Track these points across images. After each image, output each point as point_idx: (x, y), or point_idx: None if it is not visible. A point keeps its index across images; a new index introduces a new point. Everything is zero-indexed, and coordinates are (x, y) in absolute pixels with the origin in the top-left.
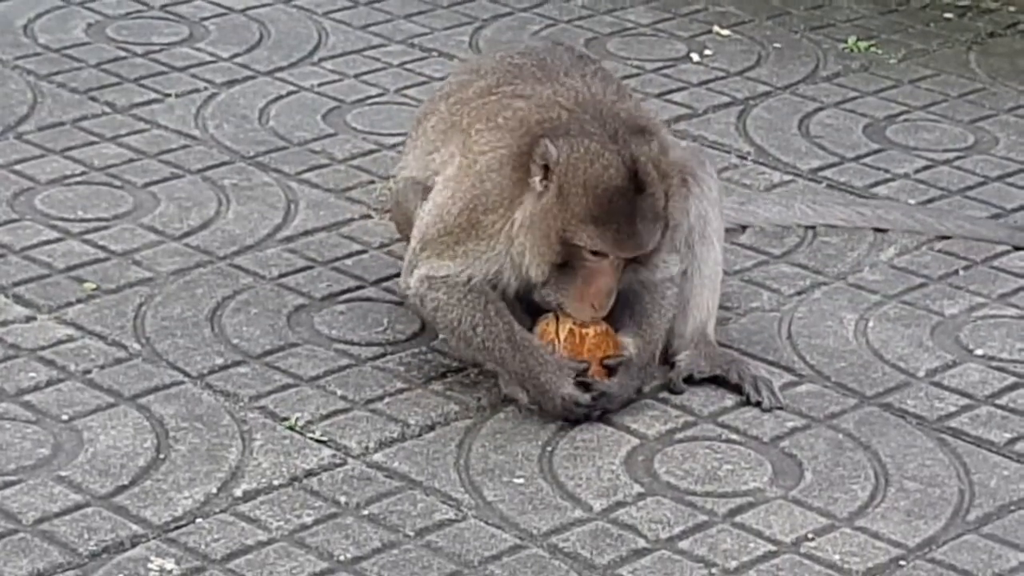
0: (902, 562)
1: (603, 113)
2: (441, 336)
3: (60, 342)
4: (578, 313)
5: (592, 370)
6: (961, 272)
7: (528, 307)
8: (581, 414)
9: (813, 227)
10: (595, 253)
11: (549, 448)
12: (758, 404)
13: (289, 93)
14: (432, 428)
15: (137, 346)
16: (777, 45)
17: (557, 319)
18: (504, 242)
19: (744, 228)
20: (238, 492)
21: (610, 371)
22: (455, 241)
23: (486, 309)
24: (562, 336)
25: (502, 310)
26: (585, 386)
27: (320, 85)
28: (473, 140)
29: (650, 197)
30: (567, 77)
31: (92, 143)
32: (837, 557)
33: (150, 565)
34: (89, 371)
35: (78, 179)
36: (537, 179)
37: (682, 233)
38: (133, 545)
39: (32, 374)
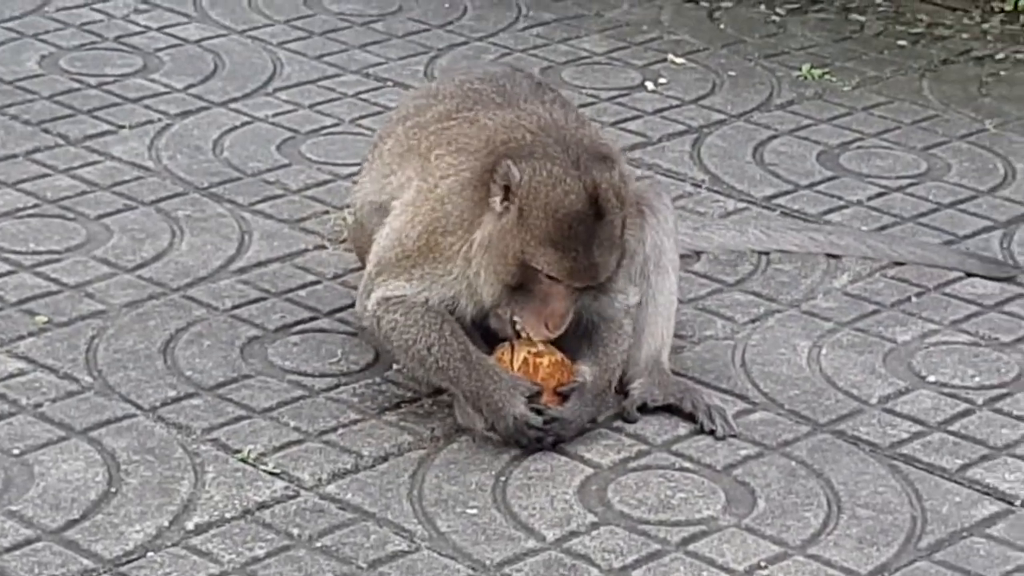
0: None
1: (566, 139)
2: (395, 357)
3: (11, 376)
4: (533, 332)
5: (545, 398)
6: (914, 299)
7: (484, 335)
8: (533, 437)
9: (767, 253)
10: (550, 278)
11: (503, 478)
12: (712, 432)
13: (243, 124)
14: (385, 459)
15: (89, 379)
16: (731, 73)
17: (512, 348)
18: (462, 264)
19: (699, 254)
20: (190, 525)
21: (564, 399)
22: (412, 264)
23: (441, 329)
24: (516, 365)
25: (457, 330)
26: (538, 412)
27: (274, 115)
28: (433, 165)
29: (609, 224)
30: (527, 103)
31: (45, 175)
32: None
33: None
34: (40, 405)
35: (30, 211)
36: (497, 199)
37: (638, 263)
38: None
39: None
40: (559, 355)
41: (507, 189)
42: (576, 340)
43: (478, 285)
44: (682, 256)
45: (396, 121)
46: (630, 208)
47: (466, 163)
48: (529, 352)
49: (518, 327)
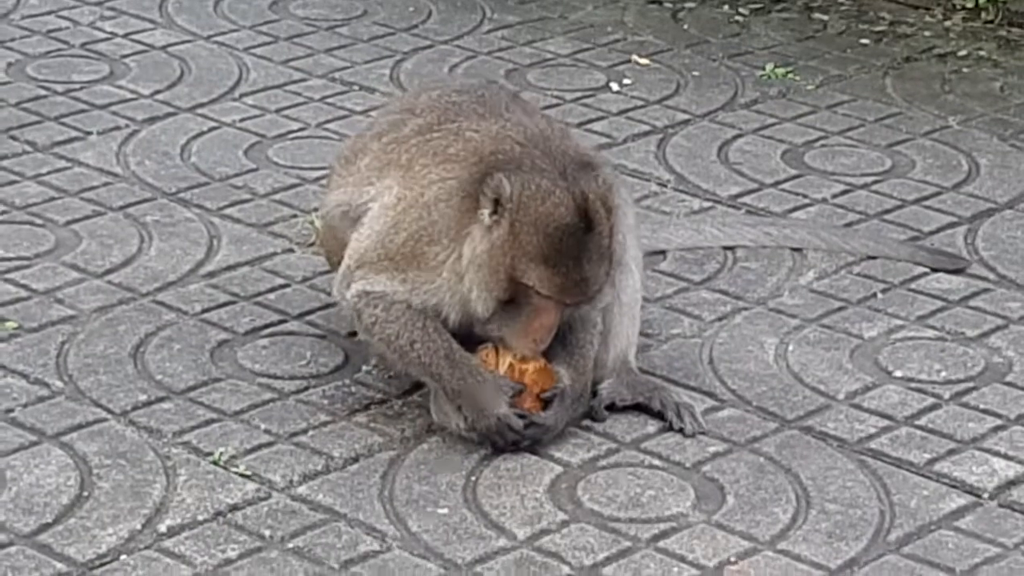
0: None
1: (552, 149)
2: (376, 349)
3: None
4: (519, 347)
5: (528, 404)
6: (879, 295)
7: (465, 339)
8: (511, 439)
9: (731, 249)
10: (541, 294)
11: (473, 478)
12: (680, 430)
13: (210, 129)
14: (356, 460)
15: (60, 384)
16: (695, 73)
17: (497, 351)
18: (447, 276)
19: (662, 253)
20: (162, 528)
21: (545, 404)
22: (395, 267)
23: (424, 326)
24: (502, 371)
25: (440, 328)
26: (520, 416)
27: (241, 120)
28: (418, 173)
29: (598, 236)
30: (510, 113)
31: (13, 182)
32: None
33: None
34: (12, 410)
35: None
36: (487, 212)
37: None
38: None
39: None
40: (542, 360)
41: (496, 202)
42: (553, 340)
43: (471, 299)
44: (645, 255)
45: (371, 138)
46: (616, 215)
47: (453, 172)
48: (514, 357)
49: (503, 343)
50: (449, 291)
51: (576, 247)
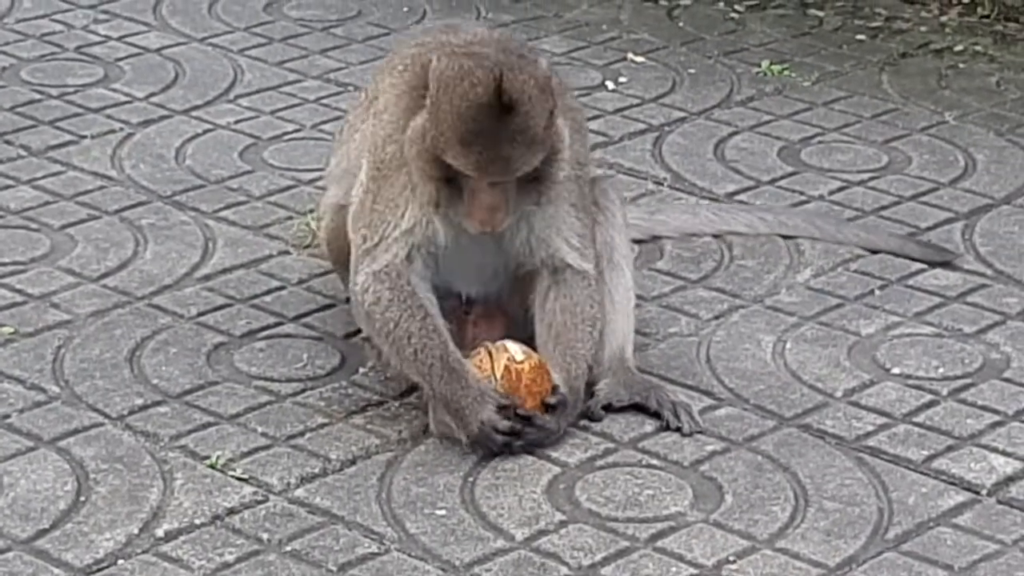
0: None
1: (497, 43)
2: (374, 341)
3: None
4: (471, 227)
5: (530, 404)
6: (877, 292)
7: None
8: (500, 443)
9: (727, 245)
10: (463, 173)
11: (471, 479)
12: (678, 429)
13: (205, 131)
14: (353, 462)
15: (56, 389)
16: (691, 71)
17: (491, 355)
18: (406, 175)
19: (658, 242)
20: (160, 532)
21: (547, 408)
22: (373, 201)
23: (425, 321)
24: (499, 373)
25: (440, 329)
26: (527, 419)
27: (236, 122)
28: (380, 103)
29: (518, 115)
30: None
31: (8, 187)
32: None
33: None
34: (8, 416)
35: None
36: (428, 95)
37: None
38: None
39: None
40: (536, 357)
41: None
42: (543, 334)
43: (418, 188)
44: (641, 241)
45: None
46: (557, 102)
47: (399, 82)
48: (509, 359)
49: (465, 224)
50: (417, 201)
51: (492, 126)
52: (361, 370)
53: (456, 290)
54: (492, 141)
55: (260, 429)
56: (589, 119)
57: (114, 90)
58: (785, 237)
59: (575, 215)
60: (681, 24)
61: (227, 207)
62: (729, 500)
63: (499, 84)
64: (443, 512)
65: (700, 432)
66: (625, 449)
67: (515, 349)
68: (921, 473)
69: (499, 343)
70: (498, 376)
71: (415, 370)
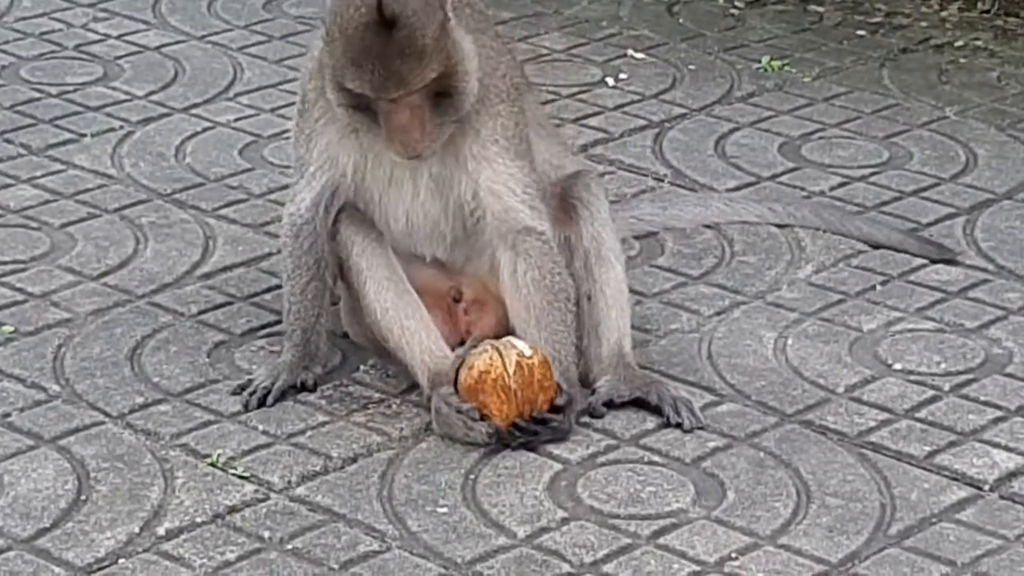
0: None
1: None
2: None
3: None
4: (393, 153)
5: (541, 398)
6: (878, 287)
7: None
8: (516, 444)
9: (728, 238)
10: (360, 94)
11: (472, 476)
12: (679, 425)
13: (205, 129)
14: (355, 460)
15: (57, 387)
16: (691, 67)
17: (500, 352)
18: (321, 108)
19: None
20: (161, 531)
21: (554, 408)
22: (296, 139)
23: (308, 285)
24: (511, 370)
25: (321, 294)
26: (543, 421)
27: (236, 120)
28: None
29: (405, 30)
30: None
31: (8, 185)
32: (761, 575)
33: None
34: (8, 414)
35: None
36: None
37: (580, 257)
38: None
39: None
40: (540, 354)
41: None
42: (525, 320)
43: (336, 117)
44: (649, 235)
45: None
46: (446, 13)
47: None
48: (519, 355)
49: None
50: (334, 127)
51: (377, 42)
52: (362, 368)
53: (419, 252)
54: (380, 58)
55: (261, 427)
56: (589, 116)
57: (114, 88)
58: (780, 226)
59: (518, 164)
60: (681, 20)
61: (227, 205)
62: (731, 496)
63: (381, 5)
64: (444, 509)
65: (701, 428)
66: (627, 446)
67: (521, 345)
68: (923, 469)
69: (504, 340)
70: (511, 372)
71: (285, 321)
